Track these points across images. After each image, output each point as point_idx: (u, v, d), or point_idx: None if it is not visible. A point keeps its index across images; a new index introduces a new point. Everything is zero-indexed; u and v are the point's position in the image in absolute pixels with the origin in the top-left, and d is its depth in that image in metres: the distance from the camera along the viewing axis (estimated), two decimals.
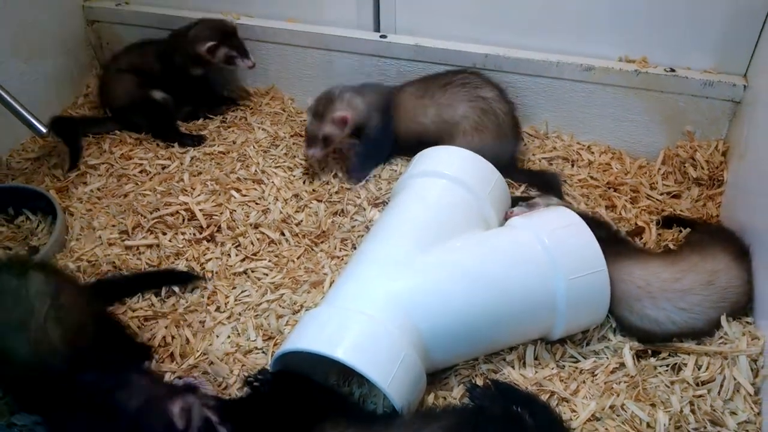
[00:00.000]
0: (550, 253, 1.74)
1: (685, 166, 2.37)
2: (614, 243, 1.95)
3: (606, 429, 1.60)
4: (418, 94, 2.38)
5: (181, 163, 2.47)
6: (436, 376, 1.74)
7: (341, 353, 1.51)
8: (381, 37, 2.57)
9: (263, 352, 1.83)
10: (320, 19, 2.67)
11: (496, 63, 2.46)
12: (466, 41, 2.50)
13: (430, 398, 1.70)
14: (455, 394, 1.71)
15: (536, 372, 1.76)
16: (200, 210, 2.20)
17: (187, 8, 2.76)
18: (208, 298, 1.99)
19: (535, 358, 1.80)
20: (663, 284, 1.78)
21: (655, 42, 2.33)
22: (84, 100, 2.88)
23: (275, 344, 1.84)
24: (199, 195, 2.28)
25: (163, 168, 2.46)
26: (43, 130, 2.26)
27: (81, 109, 2.82)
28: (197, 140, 2.58)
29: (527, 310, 1.74)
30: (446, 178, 2.00)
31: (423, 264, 1.73)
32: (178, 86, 2.66)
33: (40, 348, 1.45)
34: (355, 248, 2.14)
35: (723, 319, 1.78)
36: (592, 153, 2.51)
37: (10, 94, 2.21)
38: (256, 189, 2.34)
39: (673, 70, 2.32)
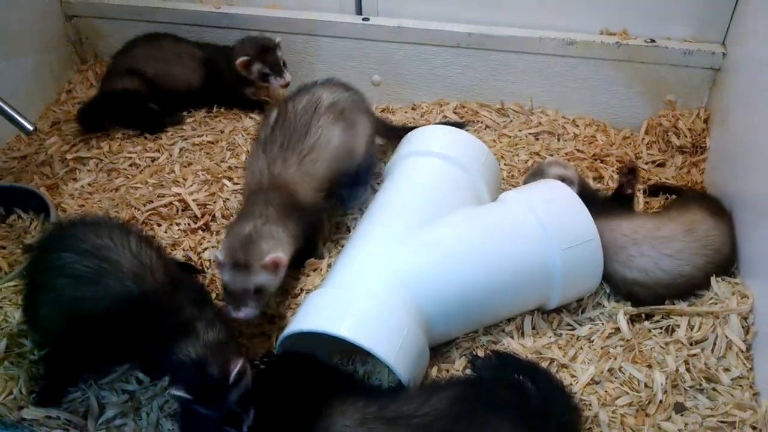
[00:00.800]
0: (544, 225, 1.78)
1: (668, 135, 2.42)
2: (601, 205, 2.01)
3: (605, 391, 1.66)
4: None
5: (171, 155, 2.47)
6: (437, 350, 1.78)
7: (346, 331, 1.54)
8: (363, 19, 2.59)
9: (265, 335, 1.85)
10: (302, 4, 2.67)
11: (480, 41, 2.49)
12: (449, 21, 2.52)
13: (434, 371, 1.74)
14: (457, 366, 1.75)
15: (535, 341, 1.81)
16: (194, 200, 2.22)
17: None
18: (208, 286, 2.00)
19: (533, 328, 1.85)
20: (647, 233, 1.87)
21: (635, 14, 2.38)
22: (66, 96, 2.85)
23: (278, 328, 1.86)
24: (191, 185, 2.29)
25: (153, 160, 2.46)
26: (30, 127, 2.23)
27: (64, 105, 2.80)
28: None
29: (524, 281, 1.78)
30: (437, 157, 2.02)
31: (421, 240, 1.76)
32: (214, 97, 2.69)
33: (147, 285, 1.60)
34: (349, 231, 2.17)
35: (713, 280, 1.84)
36: (577, 126, 2.56)
37: None
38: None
39: (653, 41, 2.37)
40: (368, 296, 1.64)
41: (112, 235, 1.63)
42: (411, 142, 2.13)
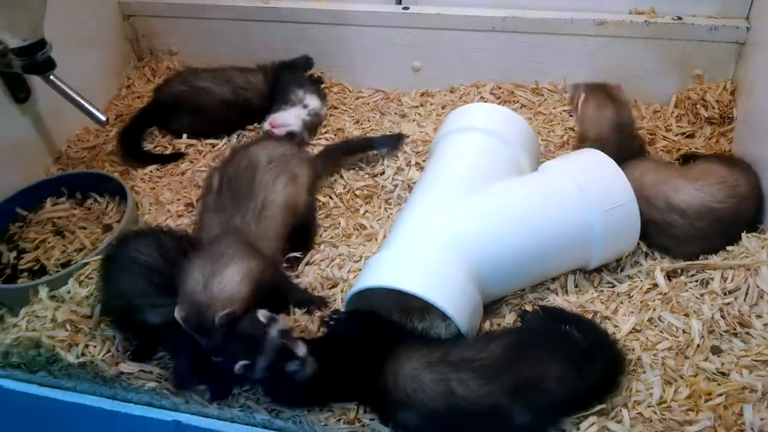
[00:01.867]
0: (583, 189, 1.93)
1: (696, 108, 2.55)
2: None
3: (647, 338, 1.81)
4: None
5: (229, 140, 2.66)
6: (488, 307, 1.93)
7: (412, 286, 1.71)
8: (404, 8, 2.75)
9: (331, 299, 2.03)
10: None
11: (514, 25, 2.64)
12: (484, 6, 2.67)
13: (486, 325, 1.90)
14: (508, 320, 1.91)
15: (578, 297, 1.96)
16: None
17: None
18: None
19: (576, 286, 2.00)
20: (676, 173, 2.10)
21: None
22: (126, 91, 3.06)
23: (341, 291, 2.04)
24: None
25: (213, 146, 2.65)
26: (103, 118, 2.45)
27: (125, 99, 3.00)
28: None
29: (567, 242, 1.93)
30: (480, 131, 2.18)
31: (473, 205, 1.93)
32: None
33: None
34: (398, 206, 2.34)
35: (743, 235, 1.98)
36: None
37: (70, 87, 2.40)
38: None
39: (680, 18, 2.50)
40: (427, 255, 1.81)
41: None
42: (454, 120, 2.29)
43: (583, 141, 2.27)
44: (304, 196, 2.21)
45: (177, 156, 2.63)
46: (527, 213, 1.93)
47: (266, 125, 2.60)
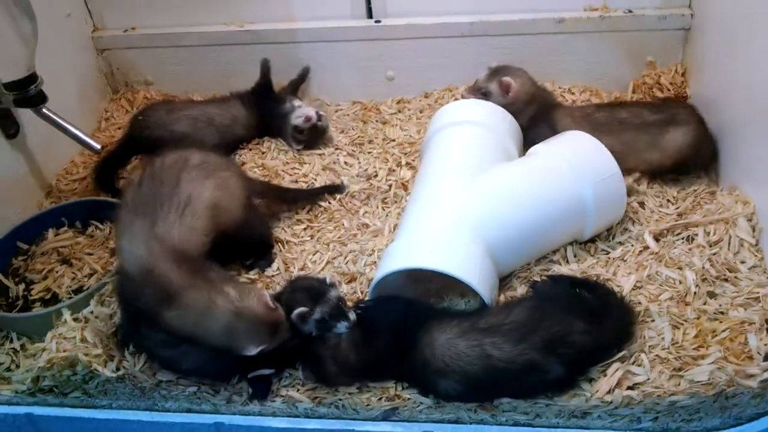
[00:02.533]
0: (574, 165, 2.10)
1: (653, 91, 2.79)
2: None
3: (649, 292, 1.97)
4: None
5: None
6: (499, 282, 2.07)
7: (437, 264, 1.84)
8: (376, 22, 2.91)
9: (352, 293, 2.12)
10: (315, 15, 2.96)
11: (481, 29, 2.84)
12: (452, 14, 2.86)
13: (501, 299, 2.03)
14: (520, 292, 2.04)
15: (579, 265, 2.12)
16: None
17: (194, 24, 3.01)
18: (285, 264, 2.25)
19: (575, 256, 2.15)
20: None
21: None
22: (106, 123, 3.09)
23: (360, 284, 2.14)
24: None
25: None
26: (98, 146, 2.49)
27: (106, 131, 3.04)
28: None
29: (566, 216, 2.09)
30: (470, 124, 2.34)
31: (478, 187, 2.07)
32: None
33: None
34: (395, 203, 2.46)
35: (718, 193, 2.21)
36: (573, 93, 2.91)
37: (63, 119, 2.44)
38: (298, 170, 2.63)
39: (630, 11, 2.76)
40: (444, 236, 1.94)
41: None
42: (442, 116, 2.44)
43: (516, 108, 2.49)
44: (236, 209, 2.10)
45: None
46: (528, 191, 2.09)
47: (299, 120, 2.70)
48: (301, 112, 2.73)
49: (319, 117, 2.72)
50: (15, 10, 2.21)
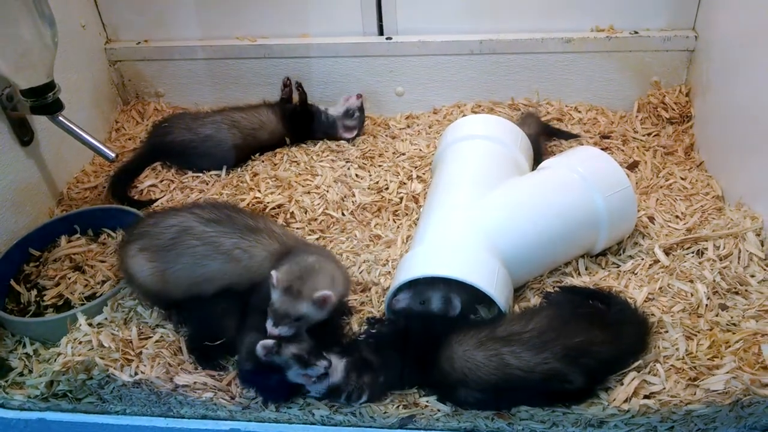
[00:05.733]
0: (586, 179, 2.14)
1: (657, 110, 2.86)
2: None
3: (661, 304, 2.00)
4: None
5: (234, 171, 2.76)
6: (513, 293, 2.09)
7: (454, 272, 1.86)
8: (387, 39, 2.96)
9: (368, 300, 2.14)
10: (328, 31, 3.02)
11: (490, 47, 2.90)
12: (461, 33, 2.92)
13: (516, 309, 2.05)
14: (534, 303, 2.07)
15: (591, 277, 2.14)
16: (271, 201, 2.50)
17: (206, 38, 3.05)
18: None
19: (586, 269, 2.18)
20: None
21: (618, 11, 2.83)
22: (117, 134, 3.11)
23: (375, 293, 2.15)
24: (266, 190, 2.57)
25: (218, 176, 2.73)
26: (112, 155, 2.50)
27: (117, 142, 3.05)
28: None
29: (578, 228, 2.12)
30: (480, 138, 2.39)
31: (493, 199, 2.10)
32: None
33: None
34: (406, 216, 2.48)
35: (726, 208, 2.24)
36: (580, 112, 2.97)
37: (79, 127, 2.46)
38: (311, 181, 2.65)
39: (636, 32, 2.82)
40: (460, 244, 1.97)
41: None
42: (455, 130, 2.48)
43: None
44: None
45: (152, 202, 2.64)
46: (542, 203, 2.12)
47: (350, 102, 2.88)
48: (344, 100, 2.92)
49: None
50: (36, 15, 2.23)
